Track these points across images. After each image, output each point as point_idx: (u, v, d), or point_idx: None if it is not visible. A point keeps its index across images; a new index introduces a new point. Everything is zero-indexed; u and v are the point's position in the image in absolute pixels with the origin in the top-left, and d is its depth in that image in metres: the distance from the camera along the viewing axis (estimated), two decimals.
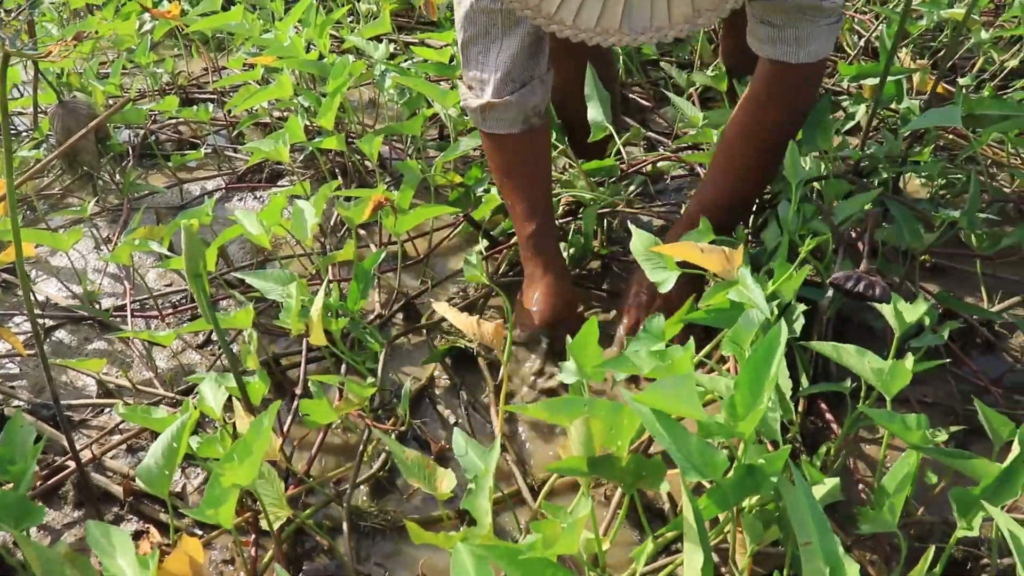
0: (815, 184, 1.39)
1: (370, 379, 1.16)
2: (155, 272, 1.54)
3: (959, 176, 1.62)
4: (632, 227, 1.16)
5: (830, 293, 1.17)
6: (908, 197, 1.55)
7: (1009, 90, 1.85)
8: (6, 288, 1.51)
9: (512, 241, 1.42)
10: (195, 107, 1.85)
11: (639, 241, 1.14)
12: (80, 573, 0.77)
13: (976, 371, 1.22)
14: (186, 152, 1.86)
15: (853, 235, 1.28)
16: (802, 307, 1.07)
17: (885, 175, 1.54)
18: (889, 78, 1.66)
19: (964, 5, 2.13)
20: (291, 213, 1.30)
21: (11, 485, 0.88)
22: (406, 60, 2.13)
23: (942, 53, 2.10)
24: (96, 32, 2.14)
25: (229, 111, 1.87)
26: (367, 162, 1.71)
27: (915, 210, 1.33)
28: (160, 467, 0.86)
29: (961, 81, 1.96)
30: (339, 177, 1.70)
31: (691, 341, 0.89)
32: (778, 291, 1.08)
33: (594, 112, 1.49)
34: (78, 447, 1.10)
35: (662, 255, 1.11)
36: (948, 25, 2.10)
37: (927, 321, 1.09)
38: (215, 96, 2.08)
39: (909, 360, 0.92)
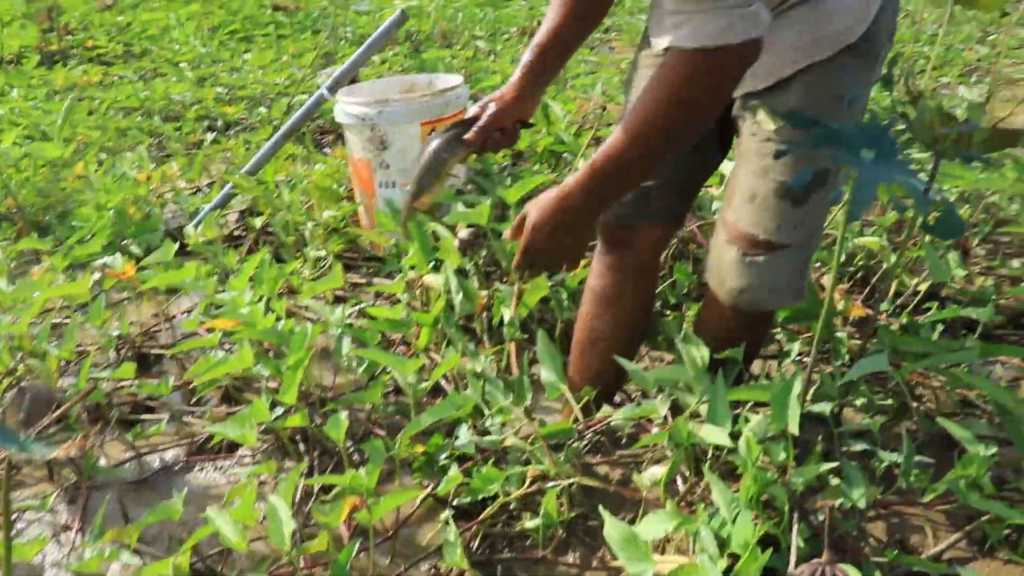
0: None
1: None
2: (118, 564, 1.52)
3: (891, 403, 1.74)
4: (604, 514, 1.21)
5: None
6: (848, 426, 1.64)
7: (925, 314, 2.00)
8: None
9: (483, 515, 1.44)
10: (155, 381, 1.88)
11: (613, 530, 1.19)
12: None
13: None
14: (146, 424, 1.87)
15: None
16: None
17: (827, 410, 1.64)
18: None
19: (874, 231, 2.32)
20: (264, 511, 1.32)
21: None
22: (355, 304, 2.21)
23: (859, 277, 2.27)
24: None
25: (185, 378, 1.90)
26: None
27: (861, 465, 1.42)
28: None
29: (881, 307, 2.11)
30: (301, 446, 1.72)
31: None
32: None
33: (547, 375, 1.58)
34: None
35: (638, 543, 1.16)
36: (861, 252, 2.28)
37: None
38: (165, 350, 2.12)
39: None
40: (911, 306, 2.04)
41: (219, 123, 4.17)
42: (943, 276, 2.00)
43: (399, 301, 2.06)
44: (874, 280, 2.22)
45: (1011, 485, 1.50)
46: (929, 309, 2.02)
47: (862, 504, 1.34)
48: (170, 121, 4.18)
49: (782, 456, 1.34)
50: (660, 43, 1.20)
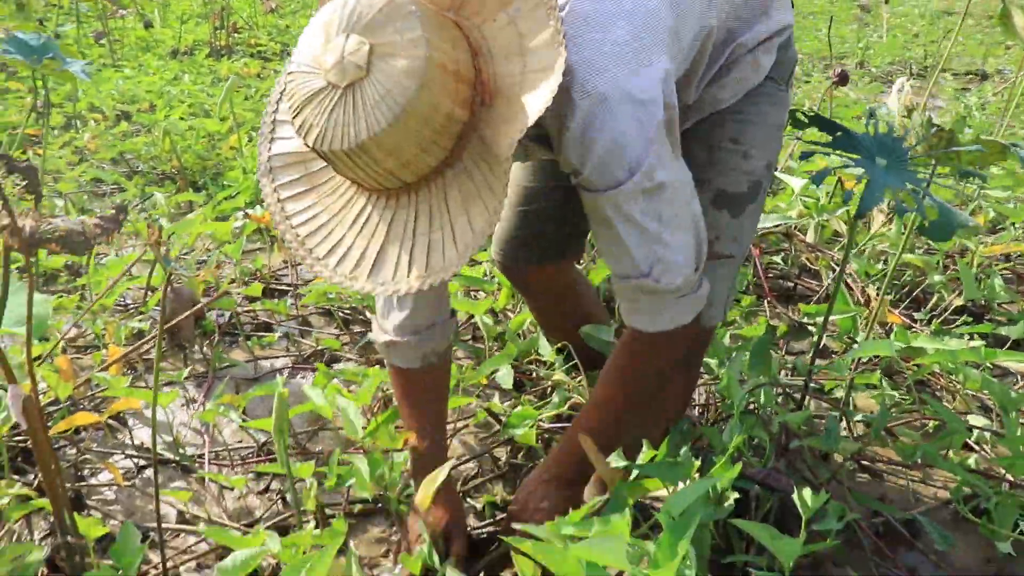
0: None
1: None
2: (229, 430, 1.88)
3: (906, 397, 1.94)
4: None
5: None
6: (857, 412, 1.86)
7: (953, 325, 2.18)
8: (112, 430, 1.87)
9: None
10: (275, 299, 2.26)
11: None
12: None
13: (890, 556, 1.49)
14: (263, 335, 2.26)
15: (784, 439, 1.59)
16: (735, 495, 1.36)
17: (839, 393, 1.87)
18: (846, 315, 2.02)
19: (922, 252, 2.51)
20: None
21: (120, 572, 1.20)
22: None
23: (905, 291, 2.46)
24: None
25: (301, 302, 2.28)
26: None
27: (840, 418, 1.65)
28: (236, 568, 1.17)
29: (917, 315, 2.30)
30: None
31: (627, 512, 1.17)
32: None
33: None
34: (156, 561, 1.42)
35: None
36: (910, 267, 2.47)
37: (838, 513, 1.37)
38: (290, 288, 2.51)
39: (800, 537, 1.22)
40: (942, 319, 2.23)
41: None
42: (974, 294, 2.20)
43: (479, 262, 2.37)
44: (915, 292, 2.41)
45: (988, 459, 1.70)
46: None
47: (835, 449, 1.57)
48: None
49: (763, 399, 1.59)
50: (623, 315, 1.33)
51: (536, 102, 1.02)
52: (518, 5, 1.06)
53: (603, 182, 1.14)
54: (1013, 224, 2.70)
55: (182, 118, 4.13)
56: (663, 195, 1.16)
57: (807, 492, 1.31)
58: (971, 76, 5.97)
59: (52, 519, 1.39)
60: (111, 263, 2.35)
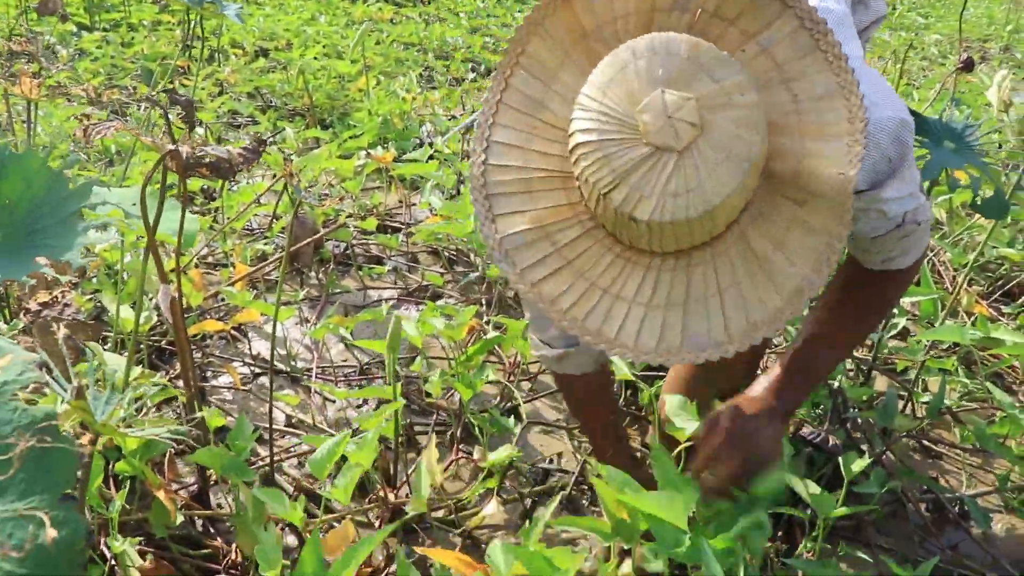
0: None
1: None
2: (336, 349, 2.08)
3: (979, 387, 1.98)
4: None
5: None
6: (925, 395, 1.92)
7: None
8: (234, 340, 2.10)
9: None
10: (388, 234, 2.45)
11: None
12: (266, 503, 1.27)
13: (934, 532, 1.58)
14: (373, 266, 2.45)
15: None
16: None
17: (912, 374, 1.93)
18: (927, 297, 2.07)
19: (1022, 247, 2.51)
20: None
21: (234, 455, 1.40)
22: None
23: (1000, 283, 2.47)
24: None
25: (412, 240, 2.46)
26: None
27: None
28: (323, 459, 1.35)
29: (1006, 309, 2.32)
30: (483, 305, 2.23)
31: None
32: None
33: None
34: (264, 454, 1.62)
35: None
36: (1008, 261, 2.48)
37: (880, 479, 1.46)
38: (403, 225, 2.69)
39: (840, 496, 1.32)
40: None
41: (482, 67, 4.78)
42: None
43: None
44: (1009, 287, 2.41)
45: None
46: None
47: (892, 423, 1.65)
48: (440, 59, 4.84)
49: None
50: None
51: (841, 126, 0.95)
52: (769, 35, 0.97)
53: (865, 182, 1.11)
54: None
55: (316, 58, 4.36)
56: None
57: (852, 455, 1.41)
58: None
59: (181, 410, 1.61)
60: (242, 190, 2.58)
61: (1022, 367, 2.03)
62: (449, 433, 1.75)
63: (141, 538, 1.29)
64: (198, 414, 1.42)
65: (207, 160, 1.39)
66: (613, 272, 0.98)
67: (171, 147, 1.18)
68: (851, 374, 1.89)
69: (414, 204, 2.90)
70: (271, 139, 3.35)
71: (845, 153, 0.94)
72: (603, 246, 0.98)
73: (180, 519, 1.34)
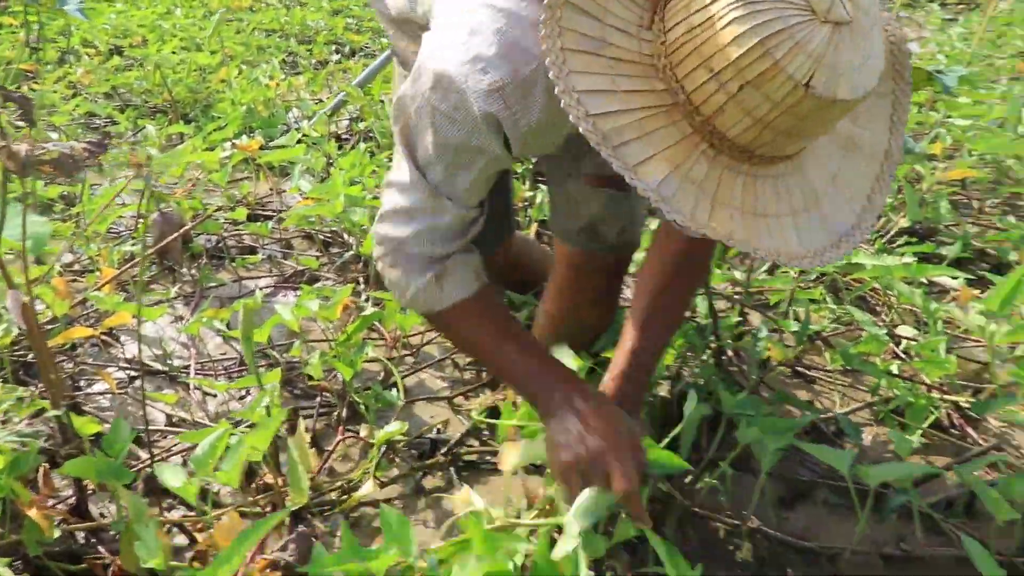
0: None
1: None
2: (213, 343, 2.04)
3: (845, 310, 2.07)
4: None
5: None
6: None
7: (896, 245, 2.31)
8: (106, 345, 2.03)
9: None
10: (258, 223, 2.40)
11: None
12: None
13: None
14: (247, 256, 2.40)
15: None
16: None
17: (784, 307, 2.01)
18: None
19: None
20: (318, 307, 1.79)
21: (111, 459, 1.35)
22: None
23: None
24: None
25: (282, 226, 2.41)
26: None
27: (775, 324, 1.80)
28: (206, 454, 1.32)
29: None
30: (362, 283, 2.21)
31: None
32: None
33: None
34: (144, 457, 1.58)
35: None
36: None
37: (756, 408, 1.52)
38: (274, 213, 2.64)
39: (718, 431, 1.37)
40: (887, 239, 2.36)
41: (346, 48, 4.71)
42: (917, 216, 2.32)
43: None
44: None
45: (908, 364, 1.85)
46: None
47: (762, 353, 1.72)
48: (303, 44, 4.75)
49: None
50: None
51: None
52: None
53: None
54: (969, 152, 2.80)
55: (174, 52, 4.22)
56: None
57: (725, 394, 1.46)
58: (962, 6, 5.99)
59: (52, 423, 1.54)
60: (104, 192, 2.48)
61: (883, 289, 2.13)
62: (335, 414, 1.73)
63: (16, 561, 1.24)
64: (53, 413, 1.37)
65: (48, 157, 1.34)
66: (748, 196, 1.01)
67: (2, 144, 1.13)
68: (723, 313, 1.95)
69: (284, 191, 2.85)
70: (131, 139, 3.23)
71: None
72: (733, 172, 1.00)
73: (57, 534, 1.29)
